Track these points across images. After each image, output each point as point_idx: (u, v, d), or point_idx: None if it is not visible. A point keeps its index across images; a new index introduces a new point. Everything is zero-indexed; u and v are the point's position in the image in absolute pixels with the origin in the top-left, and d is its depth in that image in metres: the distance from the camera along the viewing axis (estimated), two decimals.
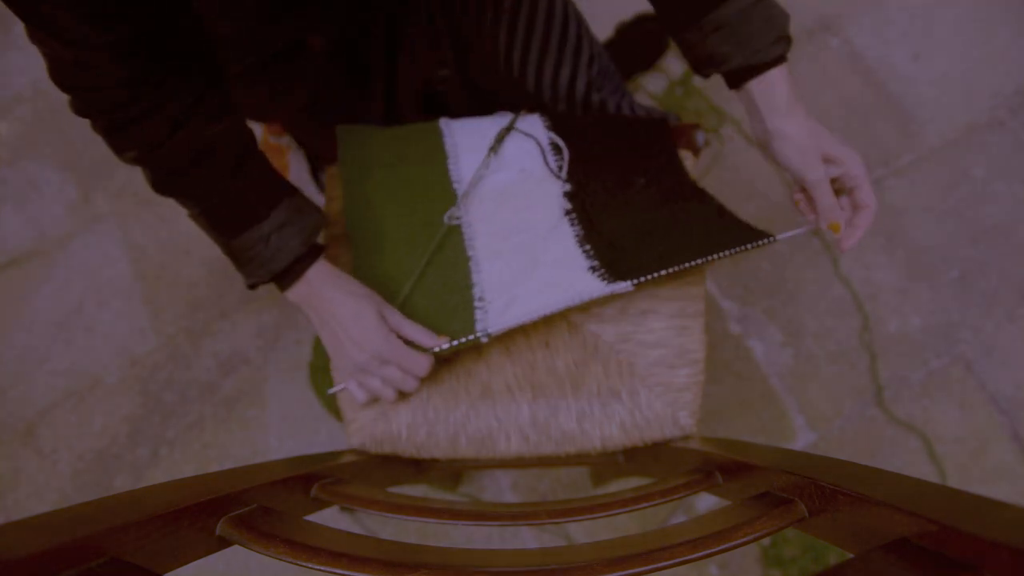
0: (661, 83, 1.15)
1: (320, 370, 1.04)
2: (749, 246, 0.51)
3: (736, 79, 0.48)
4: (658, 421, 0.54)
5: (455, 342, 0.50)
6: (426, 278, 0.55)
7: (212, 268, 1.09)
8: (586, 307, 0.56)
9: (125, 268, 1.10)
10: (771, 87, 0.47)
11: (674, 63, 1.16)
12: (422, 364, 0.50)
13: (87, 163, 1.14)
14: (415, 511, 0.38)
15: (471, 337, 0.50)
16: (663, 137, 0.61)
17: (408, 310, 0.54)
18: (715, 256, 0.50)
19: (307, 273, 0.49)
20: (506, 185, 0.59)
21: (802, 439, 1.02)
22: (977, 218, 1.09)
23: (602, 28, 1.12)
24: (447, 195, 0.58)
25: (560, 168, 0.59)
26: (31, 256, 1.11)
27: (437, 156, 0.60)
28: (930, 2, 1.18)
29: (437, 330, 0.52)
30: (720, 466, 0.41)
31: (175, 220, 1.10)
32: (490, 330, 0.50)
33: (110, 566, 0.23)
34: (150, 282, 1.09)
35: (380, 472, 0.54)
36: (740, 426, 1.02)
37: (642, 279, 0.50)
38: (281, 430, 1.03)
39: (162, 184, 0.46)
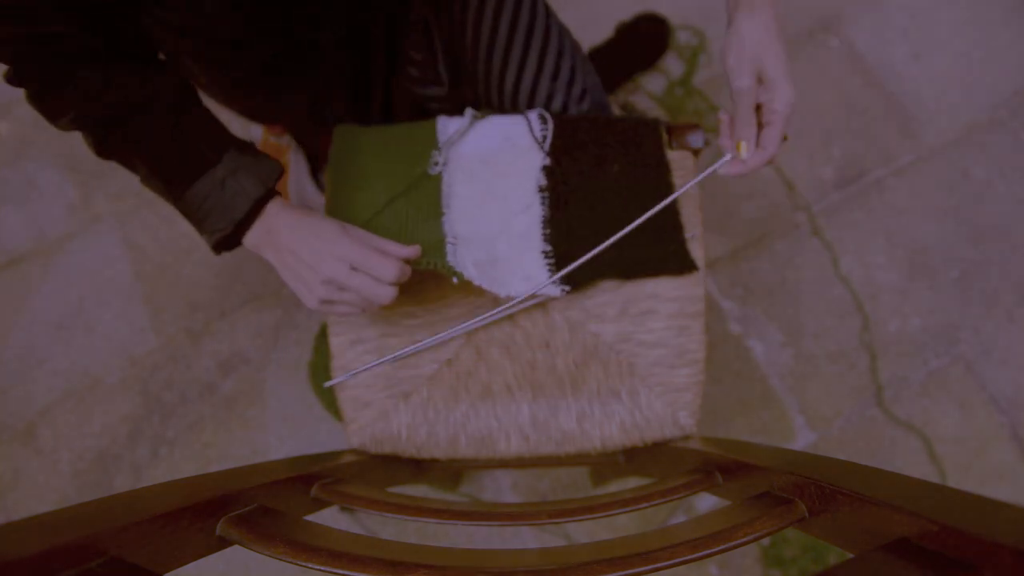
0: (661, 83, 1.15)
1: (320, 370, 1.04)
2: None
3: None
4: (658, 421, 0.54)
5: (435, 265, 0.49)
6: (396, 204, 0.55)
7: (212, 268, 1.09)
8: (586, 306, 0.56)
9: (125, 268, 1.09)
10: None
11: (674, 64, 1.16)
12: (390, 268, 0.46)
13: (87, 163, 1.13)
14: (415, 511, 0.38)
15: (446, 266, 0.50)
16: (652, 137, 0.61)
17: (374, 228, 0.52)
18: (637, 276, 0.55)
19: (265, 208, 0.47)
20: (490, 151, 0.59)
21: (802, 439, 1.02)
22: (977, 218, 1.09)
23: (602, 28, 1.12)
24: (432, 150, 0.59)
25: (544, 139, 0.59)
26: (31, 256, 1.11)
27: (426, 125, 0.61)
28: (930, 2, 1.18)
29: (412, 239, 0.52)
30: (720, 466, 0.41)
31: (175, 220, 1.10)
32: (459, 269, 0.50)
33: (110, 566, 0.23)
34: (150, 282, 1.09)
35: (380, 472, 0.54)
36: (740, 426, 1.02)
37: (569, 288, 0.54)
38: (281, 430, 1.03)
39: (103, 144, 0.45)
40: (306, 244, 0.46)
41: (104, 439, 1.03)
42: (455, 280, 0.50)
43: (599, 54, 1.10)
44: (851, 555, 0.26)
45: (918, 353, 1.04)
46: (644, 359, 0.55)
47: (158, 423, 1.04)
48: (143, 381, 1.05)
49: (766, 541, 0.97)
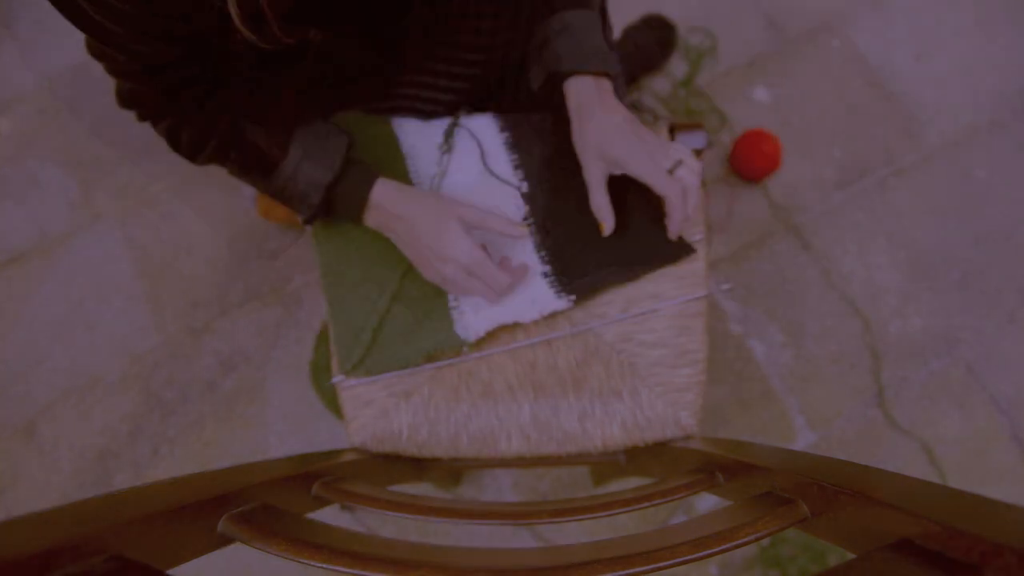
0: (665, 85, 1.15)
1: (321, 368, 1.04)
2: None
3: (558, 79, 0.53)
4: (659, 421, 0.54)
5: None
6: (403, 287, 0.56)
7: (213, 266, 1.09)
8: (588, 306, 0.56)
9: (126, 266, 1.10)
10: (579, 92, 0.52)
11: (678, 66, 1.16)
12: (504, 281, 0.51)
13: (89, 161, 1.14)
14: (416, 509, 0.38)
15: (453, 345, 0.54)
16: None
17: (392, 319, 0.55)
18: (640, 274, 0.55)
19: (371, 198, 0.51)
20: (470, 186, 0.59)
21: (802, 439, 1.02)
22: (979, 219, 1.09)
23: None
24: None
25: (516, 167, 0.59)
26: (32, 254, 1.11)
27: (396, 156, 0.59)
28: (932, 3, 1.18)
29: (421, 340, 0.54)
30: (721, 466, 0.40)
31: (177, 218, 1.10)
32: (463, 336, 0.54)
33: (112, 562, 0.23)
34: (151, 280, 1.09)
35: (381, 471, 0.54)
36: (741, 426, 1.02)
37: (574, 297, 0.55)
38: (282, 428, 1.03)
39: (200, 157, 0.51)
40: (427, 246, 0.50)
41: (104, 437, 1.03)
42: (465, 349, 0.54)
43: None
44: (853, 555, 0.26)
45: (919, 354, 1.04)
46: (645, 359, 0.55)
47: (159, 421, 1.04)
48: (144, 379, 1.05)
49: (765, 541, 0.97)
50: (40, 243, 1.11)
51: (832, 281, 1.07)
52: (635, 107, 1.14)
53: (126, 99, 0.47)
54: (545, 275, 0.56)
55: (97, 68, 0.45)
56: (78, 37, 0.41)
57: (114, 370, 1.06)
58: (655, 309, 0.56)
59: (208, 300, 1.08)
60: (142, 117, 0.49)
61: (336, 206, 0.53)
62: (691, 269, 0.56)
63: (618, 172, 0.52)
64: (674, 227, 0.53)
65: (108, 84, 0.47)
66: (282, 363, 1.05)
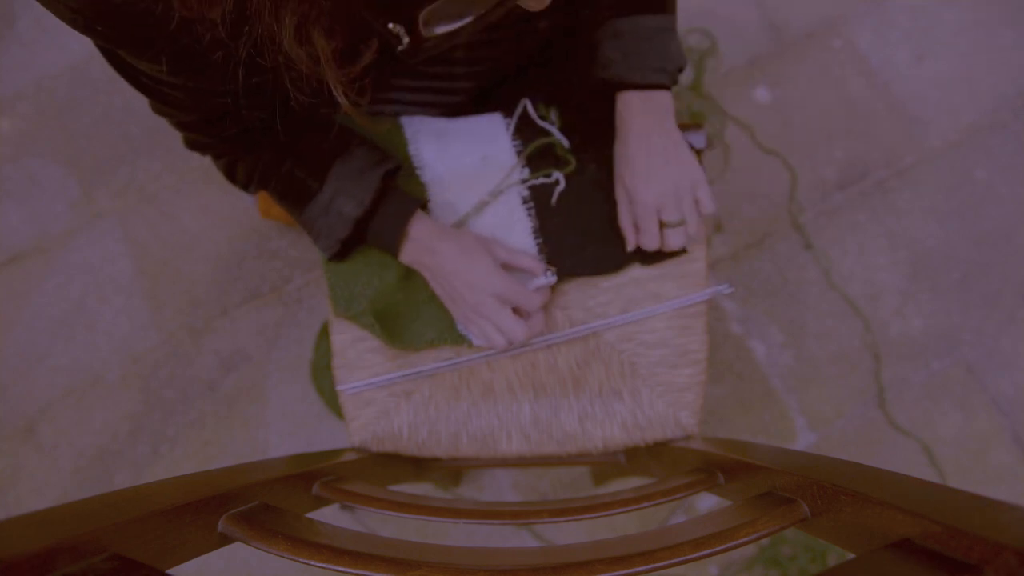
0: None
1: (321, 368, 1.04)
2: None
3: (609, 87, 0.52)
4: (660, 421, 0.54)
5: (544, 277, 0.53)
6: (409, 271, 0.56)
7: (214, 265, 1.09)
8: (588, 306, 0.56)
9: (127, 265, 1.10)
10: (628, 107, 0.51)
11: None
12: (536, 300, 0.51)
13: (89, 160, 1.14)
14: (416, 509, 0.38)
15: (456, 338, 0.55)
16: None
17: (393, 288, 0.56)
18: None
19: (410, 231, 0.51)
20: (471, 171, 0.58)
21: (803, 440, 1.02)
22: (979, 220, 1.09)
23: None
24: (414, 181, 0.58)
25: (519, 153, 0.58)
26: (33, 253, 1.11)
27: (399, 141, 0.59)
28: (933, 3, 1.18)
29: (422, 324, 0.55)
30: (722, 466, 0.40)
31: (177, 217, 1.10)
32: (464, 333, 0.55)
33: (112, 562, 0.23)
34: (151, 279, 1.09)
35: (381, 470, 0.54)
36: (741, 427, 1.02)
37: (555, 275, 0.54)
38: (282, 428, 1.03)
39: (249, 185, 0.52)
40: (457, 277, 0.51)
41: (105, 436, 1.03)
42: (467, 346, 0.55)
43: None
44: (853, 555, 0.26)
45: (919, 355, 1.04)
46: (646, 359, 0.55)
47: (159, 420, 1.04)
48: (144, 378, 1.05)
49: (765, 541, 0.97)
50: (40, 242, 1.11)
51: (832, 281, 1.07)
52: None
53: (191, 145, 0.49)
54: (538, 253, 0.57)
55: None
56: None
57: (114, 369, 1.06)
58: (655, 309, 0.56)
59: (208, 300, 1.08)
60: (203, 153, 0.50)
61: (370, 239, 0.52)
62: (691, 269, 0.56)
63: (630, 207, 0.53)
64: (628, 240, 0.54)
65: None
66: (282, 363, 1.05)
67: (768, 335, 1.05)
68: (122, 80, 0.40)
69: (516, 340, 0.51)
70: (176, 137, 0.49)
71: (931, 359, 1.04)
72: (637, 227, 0.54)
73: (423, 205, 0.56)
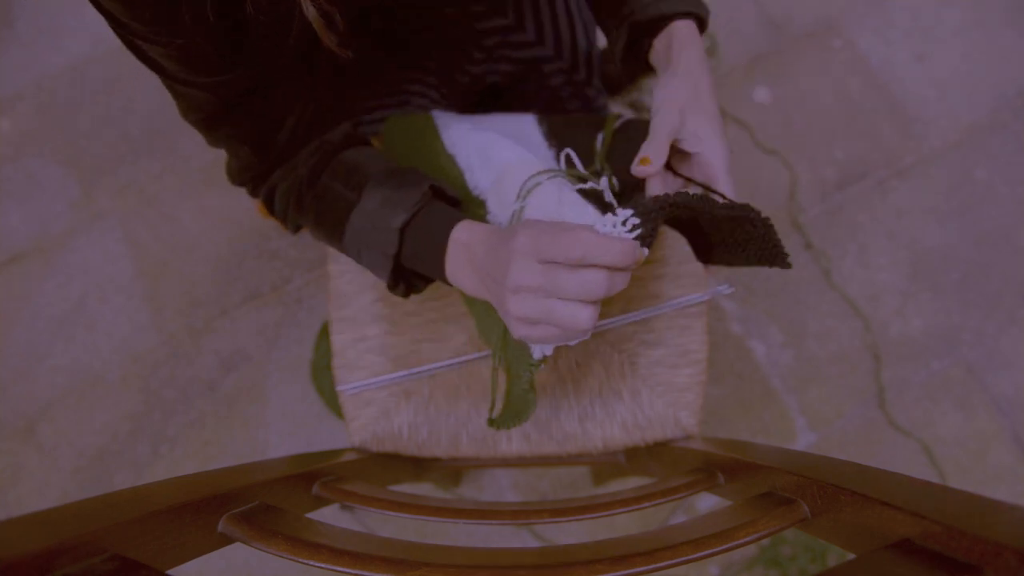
0: None
1: (322, 368, 1.04)
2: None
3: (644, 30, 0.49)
4: (660, 421, 0.54)
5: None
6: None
7: (214, 266, 1.09)
8: None
9: (127, 265, 1.10)
10: (679, 38, 0.47)
11: None
12: (601, 279, 0.36)
13: (89, 160, 1.14)
14: (416, 509, 0.38)
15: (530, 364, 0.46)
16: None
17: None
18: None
19: (452, 234, 0.43)
20: (512, 162, 0.54)
21: (803, 440, 1.02)
22: (979, 220, 1.09)
23: None
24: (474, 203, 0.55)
25: (556, 156, 0.57)
26: (33, 253, 1.11)
27: (437, 148, 0.57)
28: (933, 3, 1.18)
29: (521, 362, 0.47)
30: (722, 466, 0.40)
31: (177, 217, 1.10)
32: (537, 358, 0.46)
33: (112, 562, 0.23)
34: (152, 279, 1.09)
35: (381, 471, 0.54)
36: (741, 427, 1.02)
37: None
38: (282, 428, 1.03)
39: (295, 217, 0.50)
40: (494, 275, 0.40)
41: (105, 436, 1.03)
42: (542, 367, 0.45)
43: (608, 56, 1.10)
44: (853, 555, 0.26)
45: (919, 354, 1.04)
46: (646, 359, 0.55)
47: (159, 420, 1.04)
48: (144, 378, 1.05)
49: (765, 541, 0.97)
50: (41, 242, 1.11)
51: (832, 281, 1.07)
52: (634, 107, 1.14)
53: (235, 175, 0.49)
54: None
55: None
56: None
57: (114, 369, 1.06)
58: (655, 309, 0.56)
59: (209, 299, 1.08)
60: (247, 188, 0.50)
61: (416, 249, 0.45)
62: (691, 269, 0.56)
63: (690, 148, 0.46)
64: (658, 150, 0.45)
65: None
66: (282, 363, 1.05)
67: (768, 335, 1.05)
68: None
69: (578, 326, 0.36)
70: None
71: (931, 359, 1.04)
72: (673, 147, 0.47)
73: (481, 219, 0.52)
